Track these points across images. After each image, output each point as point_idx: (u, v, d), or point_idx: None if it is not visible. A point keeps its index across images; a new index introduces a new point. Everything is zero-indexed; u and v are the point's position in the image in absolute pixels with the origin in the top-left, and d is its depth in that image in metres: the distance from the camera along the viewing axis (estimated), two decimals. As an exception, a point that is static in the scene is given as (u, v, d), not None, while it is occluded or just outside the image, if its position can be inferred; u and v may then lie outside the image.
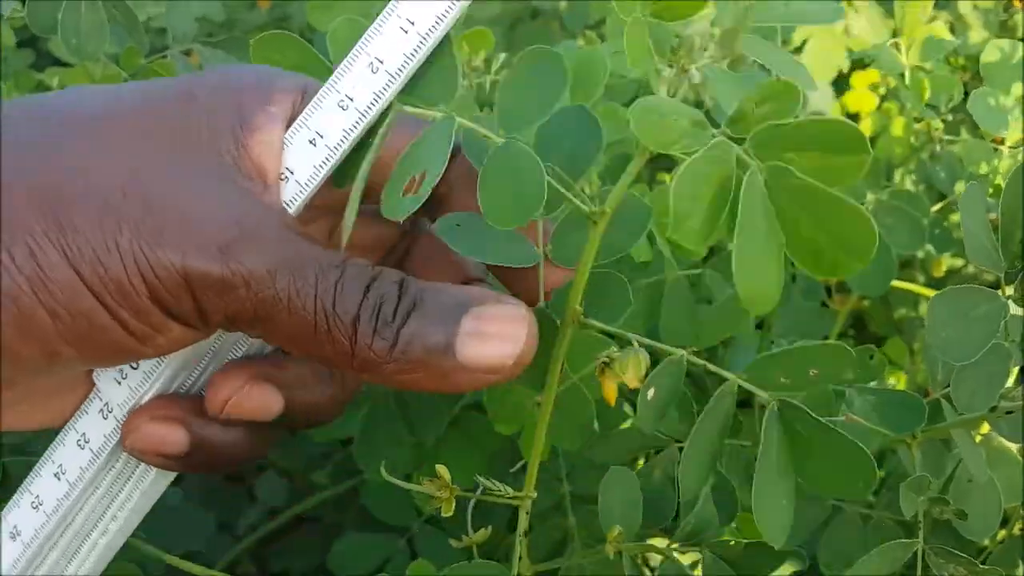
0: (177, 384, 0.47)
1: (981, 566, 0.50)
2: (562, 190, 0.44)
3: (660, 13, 0.40)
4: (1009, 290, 0.48)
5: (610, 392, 0.48)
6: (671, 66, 0.41)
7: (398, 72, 0.44)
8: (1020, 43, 0.63)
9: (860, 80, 1.01)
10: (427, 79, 0.45)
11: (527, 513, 0.52)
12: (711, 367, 0.48)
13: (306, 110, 0.45)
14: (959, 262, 0.91)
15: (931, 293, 0.82)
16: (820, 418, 0.45)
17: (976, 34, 1.02)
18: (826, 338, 0.73)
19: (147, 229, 0.39)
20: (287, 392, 0.45)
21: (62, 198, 0.39)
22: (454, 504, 0.49)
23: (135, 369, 0.46)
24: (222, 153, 0.42)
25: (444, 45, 0.45)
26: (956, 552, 0.51)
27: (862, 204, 0.67)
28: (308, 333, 0.41)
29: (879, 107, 1.00)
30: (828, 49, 0.98)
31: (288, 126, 0.45)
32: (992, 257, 0.48)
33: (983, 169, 0.67)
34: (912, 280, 0.88)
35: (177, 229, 0.39)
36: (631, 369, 0.48)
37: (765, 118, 0.37)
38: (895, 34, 0.71)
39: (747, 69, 0.54)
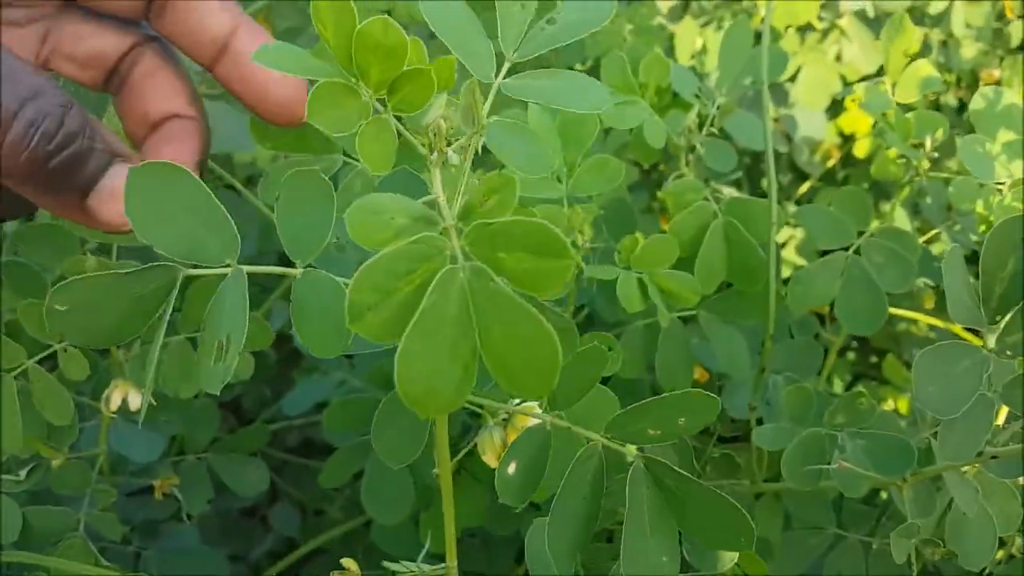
0: None
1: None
2: None
3: (400, 107, 0.40)
4: (991, 342, 0.50)
5: (492, 463, 0.49)
6: (432, 152, 0.40)
7: None
8: (1006, 89, 0.64)
9: (855, 102, 1.02)
10: (206, 242, 0.43)
11: None
12: (576, 429, 0.48)
13: None
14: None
15: (925, 318, 0.83)
16: (687, 474, 0.45)
17: (968, 50, 1.03)
18: (819, 372, 0.74)
19: None
20: None
21: None
22: None
23: None
24: None
25: (210, 201, 0.43)
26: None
27: (849, 242, 0.69)
28: None
29: (874, 127, 1.01)
30: (821, 77, 0.99)
31: None
32: (974, 314, 0.49)
33: (973, 207, 0.68)
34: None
35: None
36: (487, 450, 0.49)
37: (489, 213, 0.36)
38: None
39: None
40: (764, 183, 1.03)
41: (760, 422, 0.69)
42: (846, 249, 0.70)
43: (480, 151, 0.41)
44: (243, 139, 0.87)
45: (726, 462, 0.63)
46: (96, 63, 0.50)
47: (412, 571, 0.49)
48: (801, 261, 0.93)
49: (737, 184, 0.97)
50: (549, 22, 0.44)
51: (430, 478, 0.68)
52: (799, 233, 0.94)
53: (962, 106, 1.06)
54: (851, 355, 1.04)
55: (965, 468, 0.54)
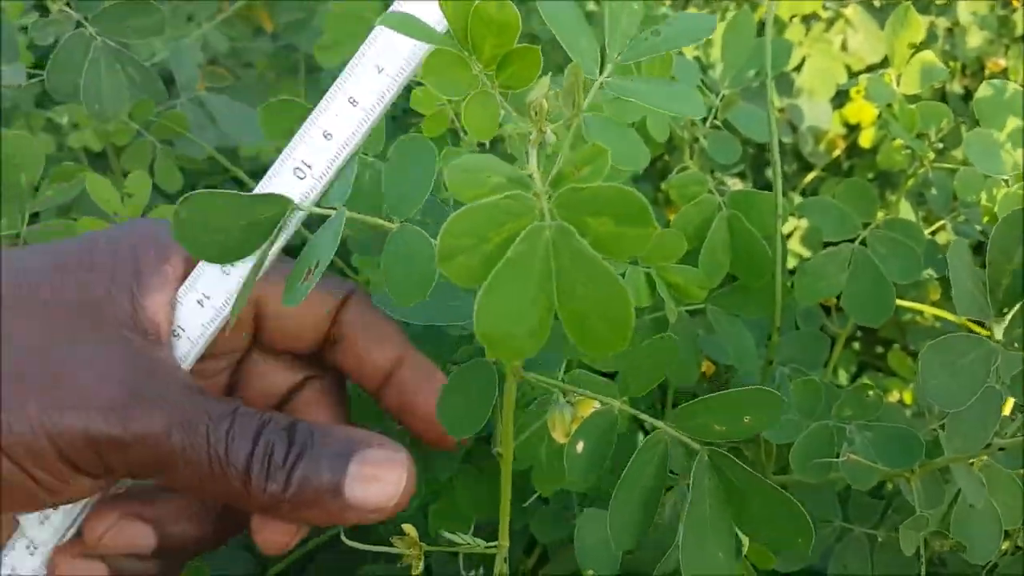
0: None
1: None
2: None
3: (507, 82, 0.42)
4: (998, 334, 0.50)
5: (560, 439, 0.50)
6: (531, 130, 0.42)
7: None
8: (1011, 81, 0.64)
9: (860, 92, 1.02)
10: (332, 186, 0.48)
11: (504, 560, 0.53)
12: (642, 416, 0.48)
13: (193, 272, 0.49)
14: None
15: (929, 309, 0.83)
16: (752, 470, 0.46)
17: (973, 38, 1.03)
18: (826, 364, 0.74)
19: (52, 398, 0.43)
20: (159, 527, 0.49)
21: None
22: (422, 563, 0.50)
23: (56, 511, 0.49)
24: (120, 314, 0.45)
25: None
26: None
27: (855, 233, 0.69)
28: (206, 480, 0.45)
29: (879, 116, 1.01)
30: (826, 67, 0.99)
31: (180, 284, 0.49)
32: (980, 306, 0.49)
33: (977, 199, 0.68)
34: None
35: (79, 396, 0.43)
36: (557, 426, 0.50)
37: (580, 182, 0.38)
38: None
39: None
40: (768, 173, 1.03)
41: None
42: (852, 240, 0.69)
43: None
44: (249, 132, 0.87)
45: (734, 455, 0.63)
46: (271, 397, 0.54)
47: (468, 542, 0.51)
48: (806, 252, 0.92)
49: (741, 175, 0.97)
50: (654, 33, 0.47)
51: (440, 471, 0.68)
52: (804, 223, 0.94)
53: (967, 94, 1.05)
54: (856, 345, 1.03)
55: (971, 460, 0.54)
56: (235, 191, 0.46)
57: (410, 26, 0.43)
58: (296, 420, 0.46)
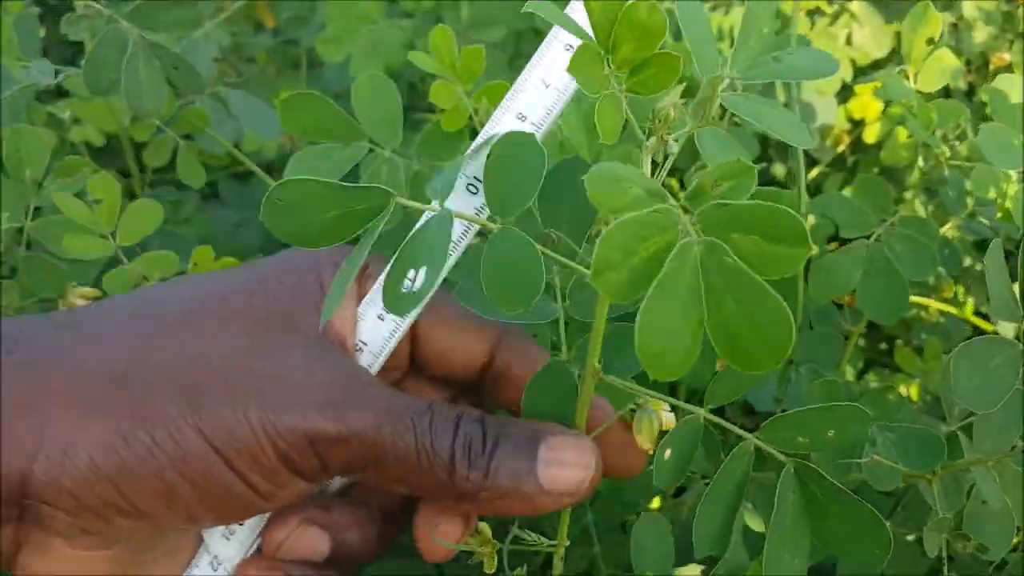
0: None
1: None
2: (565, 261, 0.46)
3: (636, 87, 0.42)
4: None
5: (646, 445, 0.50)
6: (650, 136, 0.42)
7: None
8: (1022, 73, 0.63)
9: (864, 87, 1.01)
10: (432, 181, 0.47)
11: (561, 559, 0.54)
12: (729, 427, 0.49)
13: (374, 289, 0.50)
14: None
15: (935, 304, 0.83)
16: (837, 483, 0.46)
17: (979, 33, 1.03)
18: (838, 364, 0.74)
19: (270, 401, 0.44)
20: (333, 534, 0.51)
21: (192, 383, 0.45)
22: (496, 560, 0.52)
23: (241, 525, 0.51)
24: (310, 328, 0.47)
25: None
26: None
27: (871, 231, 0.69)
28: (412, 472, 0.46)
29: (884, 112, 1.01)
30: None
31: (359, 301, 0.50)
32: (1011, 308, 0.49)
33: (991, 195, 0.68)
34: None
35: (296, 397, 0.45)
36: (644, 431, 0.50)
37: (723, 196, 0.37)
38: (897, 47, 0.71)
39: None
40: (773, 169, 1.03)
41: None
42: (867, 237, 0.69)
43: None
44: (262, 125, 0.87)
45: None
46: None
47: (533, 539, 0.52)
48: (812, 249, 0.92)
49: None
50: (775, 59, 0.47)
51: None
52: (811, 220, 0.94)
53: (971, 90, 1.05)
54: (861, 341, 1.03)
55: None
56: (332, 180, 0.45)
57: (554, 13, 0.42)
58: (482, 413, 0.48)
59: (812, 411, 0.47)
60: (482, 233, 0.49)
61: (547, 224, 0.52)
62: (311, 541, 0.50)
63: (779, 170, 1.04)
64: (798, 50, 0.48)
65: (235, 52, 1.07)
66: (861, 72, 1.03)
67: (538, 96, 0.50)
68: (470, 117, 0.64)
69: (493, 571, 0.51)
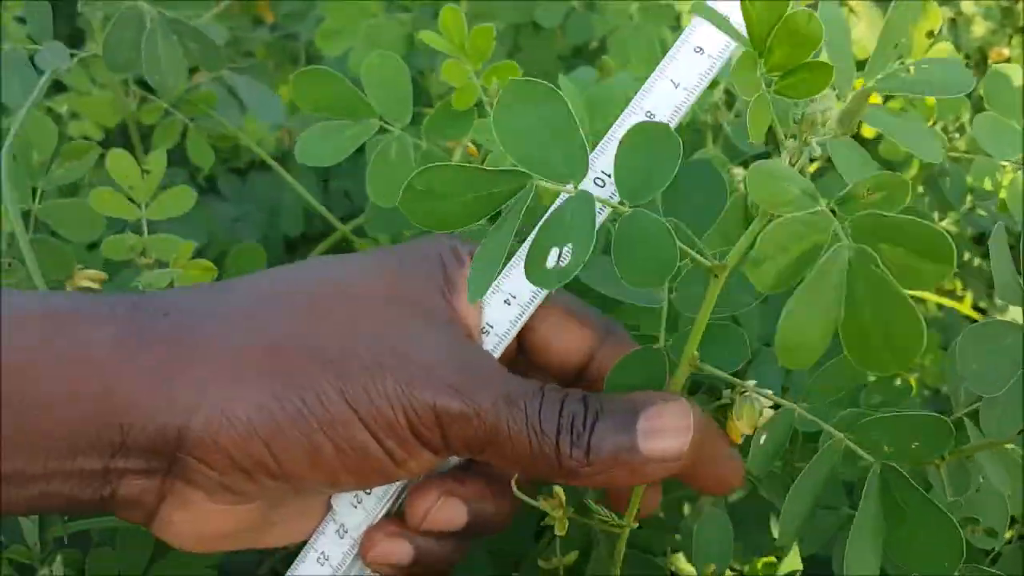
0: (398, 504, 0.55)
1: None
2: (685, 247, 0.47)
3: (785, 90, 0.43)
4: (1033, 320, 0.50)
5: (732, 433, 0.53)
6: (793, 137, 0.44)
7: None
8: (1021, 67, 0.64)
9: (862, 80, 1.02)
10: (557, 158, 0.48)
11: (624, 542, 0.57)
12: (821, 423, 0.51)
13: (500, 276, 0.53)
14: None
15: (933, 298, 0.84)
16: (921, 489, 0.48)
17: (977, 28, 1.03)
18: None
19: (405, 376, 0.48)
20: (469, 505, 0.53)
21: (340, 355, 0.48)
22: (567, 523, 0.54)
23: (368, 495, 0.54)
24: (438, 311, 0.51)
25: (571, 125, 0.48)
26: (994, 571, 0.53)
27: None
28: (524, 451, 0.49)
29: (883, 105, 1.01)
30: (830, 56, 0.99)
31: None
32: (1016, 292, 0.50)
33: (988, 185, 0.68)
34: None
35: (427, 375, 0.48)
36: (745, 416, 0.52)
37: (873, 205, 0.39)
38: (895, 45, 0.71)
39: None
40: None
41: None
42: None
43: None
44: (267, 110, 0.87)
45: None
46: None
47: (603, 514, 0.54)
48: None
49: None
50: (905, 70, 0.49)
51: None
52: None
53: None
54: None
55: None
56: (469, 164, 0.47)
57: (717, 19, 0.44)
58: (586, 392, 0.50)
59: (900, 418, 0.49)
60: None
61: (669, 216, 0.54)
62: (451, 513, 0.53)
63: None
64: (934, 63, 0.49)
65: (234, 47, 1.07)
66: (860, 66, 1.03)
67: (667, 96, 0.52)
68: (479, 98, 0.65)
69: (563, 534, 0.54)
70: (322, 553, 0.54)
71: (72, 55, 0.74)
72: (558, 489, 0.53)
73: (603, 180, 0.51)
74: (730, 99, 0.72)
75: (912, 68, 0.48)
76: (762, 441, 0.51)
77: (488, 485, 0.54)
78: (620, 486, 0.55)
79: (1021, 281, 0.50)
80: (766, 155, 0.94)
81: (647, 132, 0.47)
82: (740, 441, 0.53)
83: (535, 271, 0.46)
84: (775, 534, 0.70)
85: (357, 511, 0.54)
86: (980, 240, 0.93)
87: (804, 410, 0.51)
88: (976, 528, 0.54)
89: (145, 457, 0.47)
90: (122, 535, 0.64)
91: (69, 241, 0.68)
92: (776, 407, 0.52)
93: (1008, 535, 0.64)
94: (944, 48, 0.68)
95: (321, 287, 0.52)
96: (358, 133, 0.64)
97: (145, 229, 0.67)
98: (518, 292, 0.53)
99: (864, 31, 1.01)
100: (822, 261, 0.38)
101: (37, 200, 0.70)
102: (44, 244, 0.67)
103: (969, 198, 0.74)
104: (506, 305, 0.53)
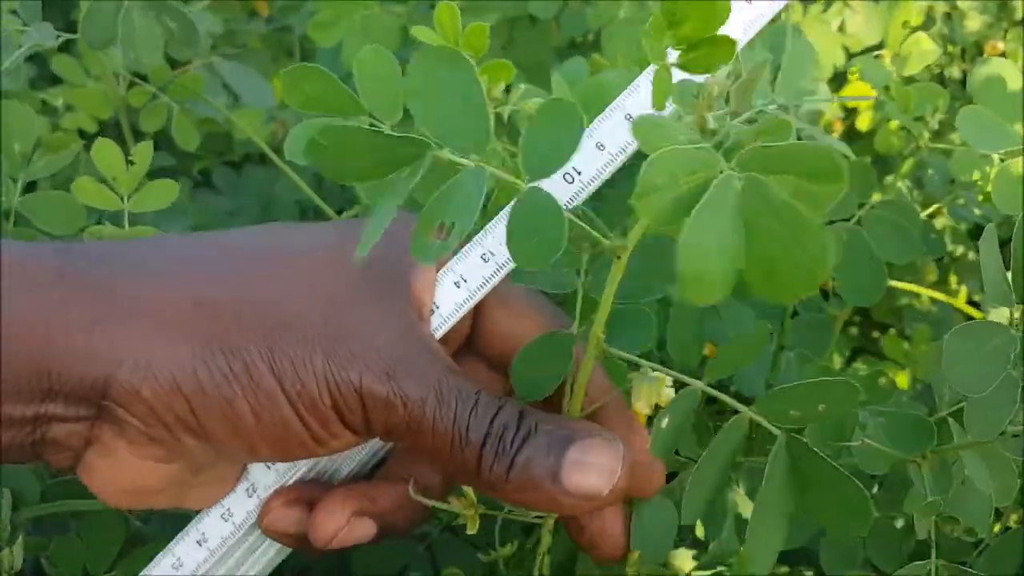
0: (316, 471, 0.54)
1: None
2: (586, 227, 0.47)
3: (687, 64, 0.42)
4: (1019, 323, 0.50)
5: (638, 416, 0.53)
6: (689, 113, 0.43)
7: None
8: (1010, 62, 0.63)
9: (857, 74, 1.01)
10: (459, 128, 0.48)
11: (550, 532, 0.56)
12: (725, 399, 0.50)
13: (454, 258, 0.52)
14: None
15: (927, 292, 0.83)
16: (826, 456, 0.47)
17: (972, 22, 1.03)
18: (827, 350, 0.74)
19: (335, 356, 0.47)
20: (380, 520, 0.53)
21: (274, 323, 0.47)
22: (478, 522, 0.53)
23: None
24: (394, 287, 0.50)
25: (478, 94, 0.48)
26: (969, 570, 0.54)
27: (851, 213, 0.69)
28: (445, 451, 0.48)
29: (876, 100, 1.01)
30: (824, 48, 0.98)
31: (442, 267, 0.52)
32: (1004, 294, 0.49)
33: (973, 177, 0.68)
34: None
35: (357, 357, 0.47)
36: (644, 396, 0.52)
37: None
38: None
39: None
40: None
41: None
42: (847, 220, 0.69)
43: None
44: (256, 95, 0.87)
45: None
46: None
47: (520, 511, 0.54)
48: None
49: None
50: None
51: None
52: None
53: (966, 79, 1.05)
54: (853, 330, 1.04)
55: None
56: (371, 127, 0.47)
57: None
58: (524, 407, 0.49)
59: (804, 385, 0.48)
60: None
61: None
62: (360, 532, 0.52)
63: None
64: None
65: (228, 39, 1.07)
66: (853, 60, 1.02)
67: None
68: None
69: (475, 533, 0.53)
70: (227, 509, 0.53)
71: (58, 36, 0.74)
72: (468, 489, 0.53)
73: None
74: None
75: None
76: (664, 424, 0.50)
77: (399, 494, 0.53)
78: (535, 509, 0.53)
79: (1010, 283, 0.49)
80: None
81: (552, 110, 0.47)
82: (644, 423, 0.53)
83: (419, 243, 0.45)
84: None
85: (270, 472, 0.53)
86: (975, 234, 0.92)
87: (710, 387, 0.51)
88: (955, 527, 0.53)
89: (73, 403, 0.47)
90: (89, 526, 0.65)
91: (50, 234, 0.68)
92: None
93: (995, 528, 0.64)
94: (921, 39, 0.67)
95: (272, 250, 0.51)
96: (349, 128, 0.64)
97: (127, 221, 0.67)
98: (469, 276, 0.51)
99: (860, 25, 1.00)
100: (714, 186, 0.36)
101: (19, 192, 0.70)
102: (25, 237, 0.67)
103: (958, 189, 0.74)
104: (455, 287, 0.52)
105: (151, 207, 0.68)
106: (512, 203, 0.46)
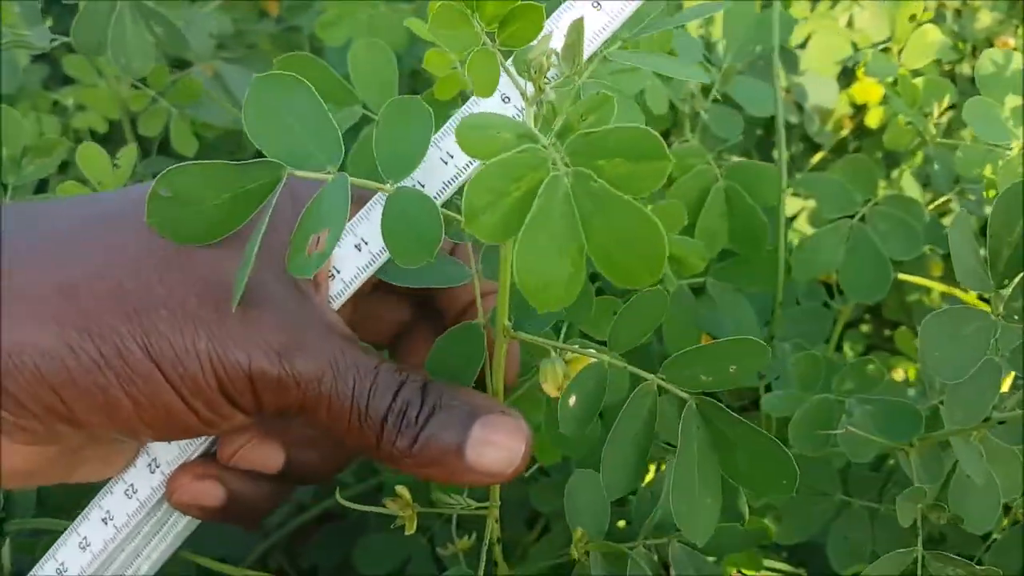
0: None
1: (978, 568, 0.52)
2: (452, 215, 0.47)
3: (508, 41, 0.42)
4: (999, 307, 0.50)
5: (552, 393, 0.51)
6: (530, 88, 0.43)
7: (435, 196, 0.48)
8: (1015, 53, 0.63)
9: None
10: (310, 151, 0.47)
11: (496, 521, 0.56)
12: (632, 369, 0.50)
13: (355, 218, 0.50)
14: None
15: (937, 285, 0.83)
16: (739, 416, 0.47)
17: (984, 18, 1.02)
18: (828, 339, 0.74)
19: (220, 335, 0.45)
20: (288, 450, 0.51)
21: (146, 304, 0.44)
22: (416, 522, 0.53)
23: None
24: (277, 252, 0.46)
25: (321, 112, 0.47)
26: (953, 556, 0.53)
27: (855, 210, 0.69)
28: (343, 427, 0.47)
29: (885, 95, 1.00)
30: (832, 44, 0.98)
31: None
32: (981, 278, 0.49)
33: (981, 173, 0.67)
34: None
35: (244, 335, 0.45)
36: (549, 379, 0.51)
37: (589, 127, 0.39)
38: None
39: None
40: (775, 153, 1.03)
41: (768, 389, 0.69)
42: (852, 217, 0.69)
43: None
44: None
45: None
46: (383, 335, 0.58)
47: (460, 504, 0.54)
48: (811, 231, 0.92)
49: (747, 155, 0.96)
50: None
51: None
52: (811, 204, 0.94)
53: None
54: (864, 327, 1.03)
55: (972, 433, 0.54)
56: (220, 161, 0.44)
57: None
58: (428, 380, 0.48)
59: (710, 347, 0.48)
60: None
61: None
62: (265, 454, 0.51)
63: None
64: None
65: (237, 39, 1.07)
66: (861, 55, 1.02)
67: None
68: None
69: (413, 532, 0.53)
70: (131, 486, 0.51)
71: (53, 40, 0.75)
72: (402, 490, 0.53)
73: (446, 159, 0.50)
74: (707, 87, 0.71)
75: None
76: (571, 403, 0.50)
77: (314, 435, 0.52)
78: (437, 482, 0.51)
79: (986, 266, 0.49)
80: (745, 144, 0.94)
81: (401, 107, 0.47)
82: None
83: (296, 259, 0.45)
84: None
85: (171, 446, 0.51)
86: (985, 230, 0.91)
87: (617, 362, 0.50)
88: (942, 515, 0.53)
89: None
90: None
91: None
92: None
93: (1004, 522, 0.63)
94: (928, 31, 0.67)
95: (132, 216, 0.46)
96: (341, 120, 0.64)
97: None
98: (371, 238, 0.49)
99: (868, 20, 1.00)
100: (540, 193, 0.36)
101: (8, 196, 0.70)
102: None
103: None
104: (356, 250, 0.49)
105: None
106: (384, 204, 0.46)
